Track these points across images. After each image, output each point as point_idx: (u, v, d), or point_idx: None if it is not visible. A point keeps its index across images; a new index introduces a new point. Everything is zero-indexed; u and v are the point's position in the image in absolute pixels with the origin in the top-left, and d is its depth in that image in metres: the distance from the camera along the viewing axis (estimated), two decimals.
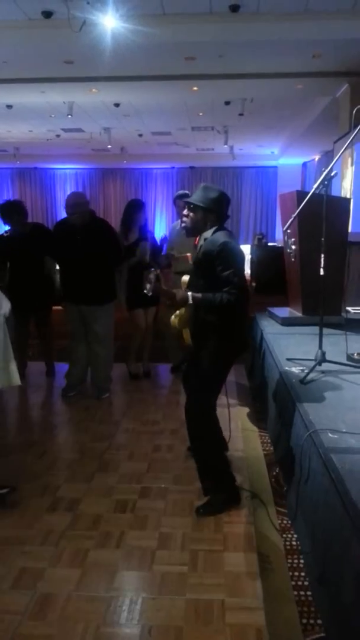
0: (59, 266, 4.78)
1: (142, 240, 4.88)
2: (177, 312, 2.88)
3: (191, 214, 2.77)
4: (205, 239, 2.76)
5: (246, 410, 4.34)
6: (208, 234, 2.75)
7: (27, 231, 4.88)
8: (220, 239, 2.66)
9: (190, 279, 2.94)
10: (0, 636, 1.96)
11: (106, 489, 3.06)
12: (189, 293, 2.68)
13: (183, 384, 3.22)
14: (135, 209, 4.98)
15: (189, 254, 3.79)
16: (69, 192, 16.84)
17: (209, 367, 2.76)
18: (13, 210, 4.84)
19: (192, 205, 2.76)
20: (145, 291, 2.77)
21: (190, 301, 2.67)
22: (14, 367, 2.99)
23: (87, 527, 2.68)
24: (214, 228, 2.75)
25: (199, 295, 2.68)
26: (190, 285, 2.90)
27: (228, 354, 2.81)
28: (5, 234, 5.13)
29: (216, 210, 2.74)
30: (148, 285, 2.75)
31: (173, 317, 2.90)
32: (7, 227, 5.07)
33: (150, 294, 2.78)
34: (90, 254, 4.30)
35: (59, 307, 4.81)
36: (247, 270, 12.07)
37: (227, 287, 2.59)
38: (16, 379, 3.00)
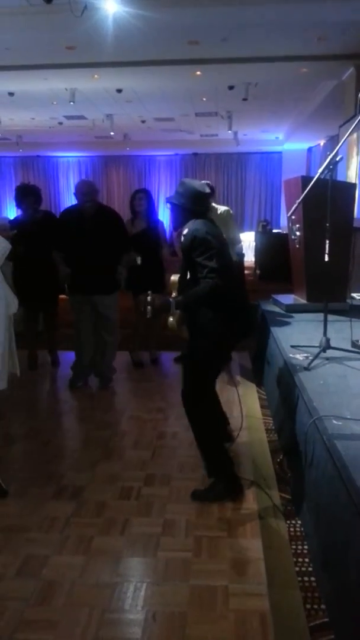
0: (68, 256, 4.71)
1: (149, 229, 4.91)
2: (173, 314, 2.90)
3: (171, 212, 2.91)
4: (183, 235, 2.84)
5: (250, 396, 4.34)
6: (185, 228, 2.83)
7: (39, 217, 4.87)
8: (190, 231, 2.73)
9: (180, 274, 2.97)
10: (6, 622, 1.97)
11: (110, 477, 3.07)
12: (171, 299, 2.74)
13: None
14: (131, 198, 5.07)
15: None
16: (72, 180, 16.99)
17: (202, 351, 2.78)
18: (29, 193, 4.89)
19: (169, 205, 2.89)
20: (147, 315, 2.84)
21: (174, 307, 2.72)
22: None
23: (91, 514, 2.69)
24: (190, 222, 2.81)
25: (180, 298, 2.76)
26: (180, 281, 2.94)
27: (222, 338, 2.79)
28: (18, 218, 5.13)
29: (187, 206, 2.81)
30: (149, 308, 2.81)
31: (171, 318, 2.92)
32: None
33: (149, 316, 2.84)
34: (100, 243, 4.28)
35: (65, 296, 4.79)
36: (251, 258, 12.05)
37: (204, 272, 2.62)
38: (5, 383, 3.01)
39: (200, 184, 2.90)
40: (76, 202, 4.42)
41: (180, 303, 2.74)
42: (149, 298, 2.78)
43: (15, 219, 5.25)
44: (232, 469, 2.88)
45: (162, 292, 5.04)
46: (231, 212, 5.16)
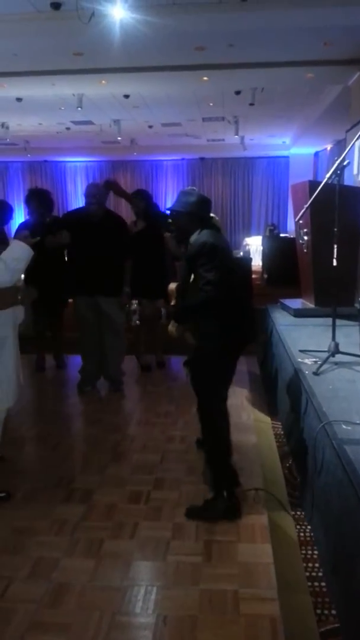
0: (73, 257, 4.72)
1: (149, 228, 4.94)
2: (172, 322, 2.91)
3: (175, 222, 2.84)
4: (190, 243, 2.80)
5: (259, 401, 4.34)
6: (193, 237, 2.78)
7: (46, 222, 4.90)
8: (201, 239, 2.70)
9: (179, 282, 2.96)
10: (18, 624, 1.98)
11: (120, 480, 3.08)
12: (163, 309, 2.73)
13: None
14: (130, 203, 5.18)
15: None
16: (80, 185, 17.04)
17: (205, 360, 2.73)
18: (33, 197, 4.94)
19: (174, 213, 2.81)
20: (132, 323, 2.83)
21: (165, 317, 2.71)
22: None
23: (101, 517, 2.70)
24: (198, 230, 2.77)
25: (173, 309, 2.71)
26: (179, 289, 2.94)
27: (224, 347, 2.74)
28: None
29: (197, 213, 2.78)
30: (134, 317, 2.82)
31: (170, 326, 2.93)
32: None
33: (137, 322, 2.83)
34: (104, 247, 4.31)
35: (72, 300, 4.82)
36: (259, 262, 12.04)
37: (201, 283, 2.61)
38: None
39: None
40: (84, 204, 4.47)
41: (173, 314, 2.72)
42: (133, 307, 2.78)
43: (22, 222, 5.27)
44: (234, 487, 2.75)
45: (163, 297, 5.09)
46: (216, 218, 5.12)
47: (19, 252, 2.73)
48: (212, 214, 4.80)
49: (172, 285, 3.02)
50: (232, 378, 2.91)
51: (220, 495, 2.70)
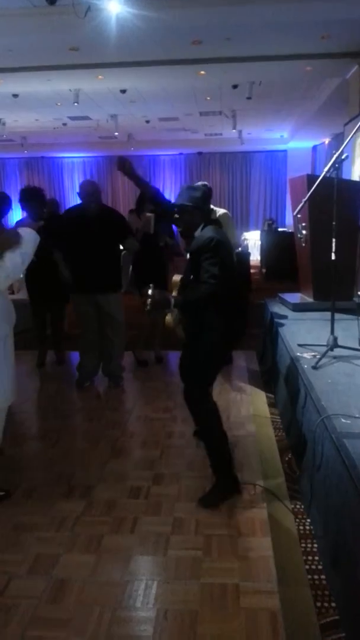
0: (72, 256, 4.72)
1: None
2: (171, 312, 2.91)
3: (182, 216, 2.84)
4: (194, 237, 2.82)
5: (258, 396, 4.34)
6: (197, 231, 2.82)
7: (44, 218, 4.87)
8: (207, 234, 2.74)
9: (184, 274, 2.97)
10: (19, 619, 1.99)
11: (120, 476, 3.08)
12: (171, 297, 2.74)
13: (180, 371, 3.21)
14: (140, 199, 5.11)
15: None
16: (77, 181, 17.01)
17: (201, 354, 2.79)
18: (25, 196, 4.87)
19: (181, 208, 2.83)
20: (147, 308, 2.79)
21: (172, 305, 2.72)
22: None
23: (101, 513, 2.70)
24: (202, 224, 2.82)
25: (180, 298, 2.77)
26: (183, 280, 2.94)
27: (220, 342, 2.80)
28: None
29: (203, 207, 2.84)
30: (148, 301, 2.77)
31: (168, 316, 2.93)
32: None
33: (148, 308, 2.79)
34: (105, 243, 4.31)
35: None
36: (257, 257, 12.04)
37: (206, 276, 2.64)
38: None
39: None
40: (80, 201, 4.44)
41: (178, 302, 2.76)
42: (150, 291, 2.77)
43: (19, 221, 5.25)
44: (232, 468, 2.88)
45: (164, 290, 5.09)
46: (229, 214, 5.04)
47: (27, 236, 2.74)
48: (224, 210, 4.81)
49: (177, 277, 3.01)
50: (221, 368, 2.99)
51: (223, 475, 2.81)
